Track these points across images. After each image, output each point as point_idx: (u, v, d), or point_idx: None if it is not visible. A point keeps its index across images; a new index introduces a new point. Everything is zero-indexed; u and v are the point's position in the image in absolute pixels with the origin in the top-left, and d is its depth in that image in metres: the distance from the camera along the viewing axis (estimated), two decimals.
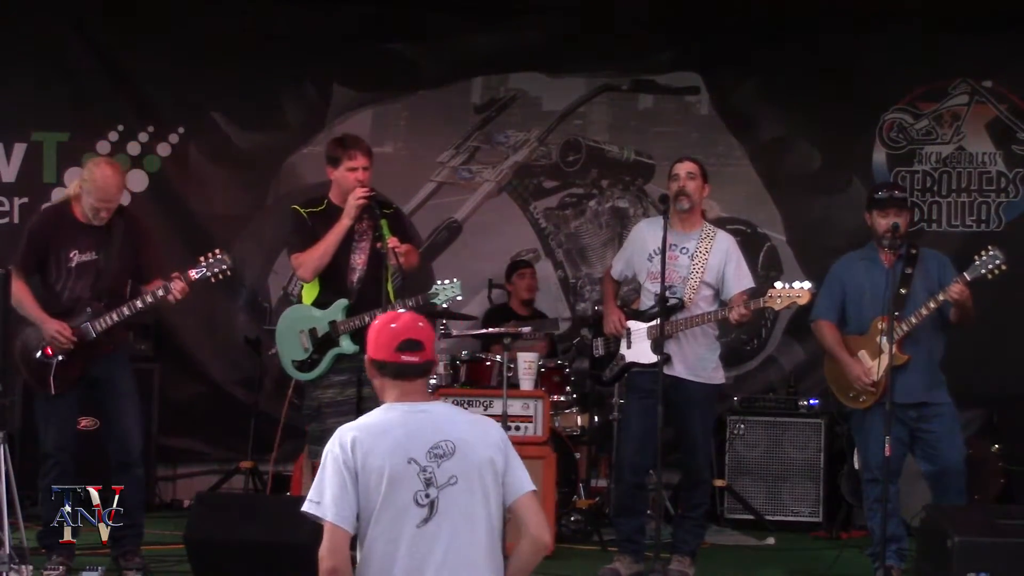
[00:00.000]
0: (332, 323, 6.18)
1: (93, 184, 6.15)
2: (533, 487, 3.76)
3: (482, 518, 3.64)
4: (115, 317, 6.16)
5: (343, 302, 6.18)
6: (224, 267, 6.23)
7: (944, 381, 6.34)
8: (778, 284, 6.25)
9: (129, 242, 6.30)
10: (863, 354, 6.30)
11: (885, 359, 6.14)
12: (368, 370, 3.80)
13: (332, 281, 6.24)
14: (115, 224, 6.26)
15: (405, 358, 3.73)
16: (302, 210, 6.29)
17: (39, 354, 6.15)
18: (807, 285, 6.18)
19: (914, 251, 6.38)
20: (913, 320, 6.17)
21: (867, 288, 6.32)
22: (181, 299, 6.21)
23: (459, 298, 6.15)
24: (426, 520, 3.58)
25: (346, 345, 6.17)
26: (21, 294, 6.17)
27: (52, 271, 6.23)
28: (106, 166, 6.27)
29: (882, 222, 6.29)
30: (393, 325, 3.76)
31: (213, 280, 6.27)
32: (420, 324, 3.79)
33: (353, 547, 3.68)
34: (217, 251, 6.28)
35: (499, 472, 3.69)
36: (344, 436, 3.64)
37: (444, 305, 6.15)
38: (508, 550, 3.74)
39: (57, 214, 6.34)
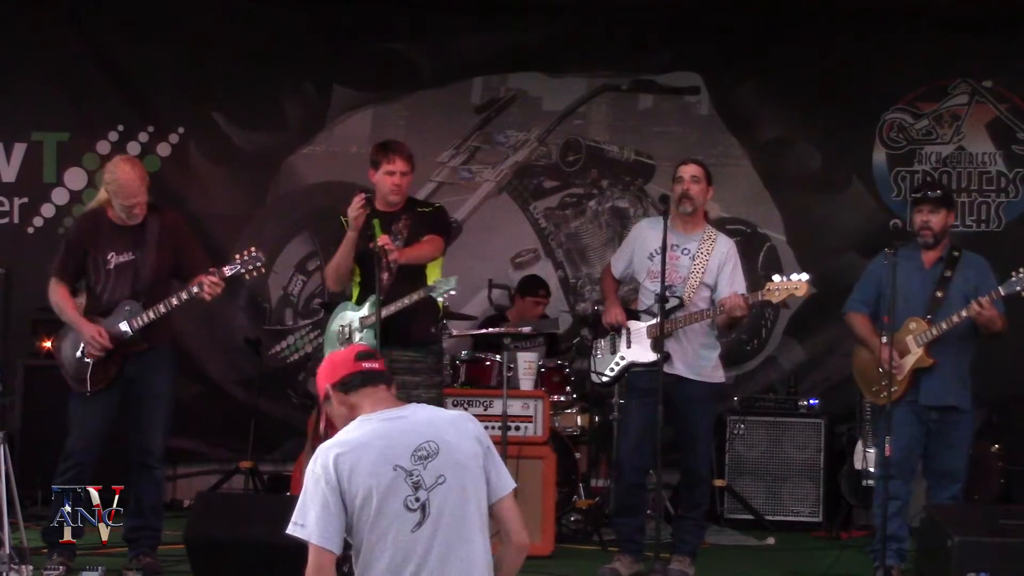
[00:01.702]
0: (362, 319, 6.26)
1: (116, 185, 6.19)
2: (513, 484, 3.76)
3: (473, 514, 3.64)
4: (151, 315, 6.19)
5: (373, 297, 6.25)
6: (258, 264, 6.28)
7: (969, 387, 6.35)
8: (776, 277, 6.26)
9: (166, 240, 6.31)
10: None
11: (912, 359, 6.16)
12: (334, 402, 3.77)
13: (368, 279, 6.32)
14: (150, 222, 6.28)
15: (366, 365, 3.77)
16: (344, 219, 6.38)
17: (79, 354, 6.19)
18: (804, 277, 6.18)
19: (956, 253, 6.36)
20: (944, 326, 6.16)
21: (903, 286, 6.27)
22: (214, 295, 6.19)
23: (453, 292, 6.20)
24: (419, 524, 3.57)
25: (363, 339, 6.22)
26: (60, 299, 6.27)
27: (92, 276, 6.28)
28: (124, 163, 6.30)
29: (917, 219, 6.31)
30: (341, 350, 3.88)
31: (247, 277, 6.36)
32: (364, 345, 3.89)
33: (347, 561, 3.68)
34: (252, 249, 6.30)
35: (482, 468, 3.69)
36: (327, 456, 3.60)
37: (441, 299, 6.23)
38: (493, 548, 3.73)
39: (92, 219, 6.37)
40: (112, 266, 6.25)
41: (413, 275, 6.24)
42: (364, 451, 3.59)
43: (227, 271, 6.21)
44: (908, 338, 6.23)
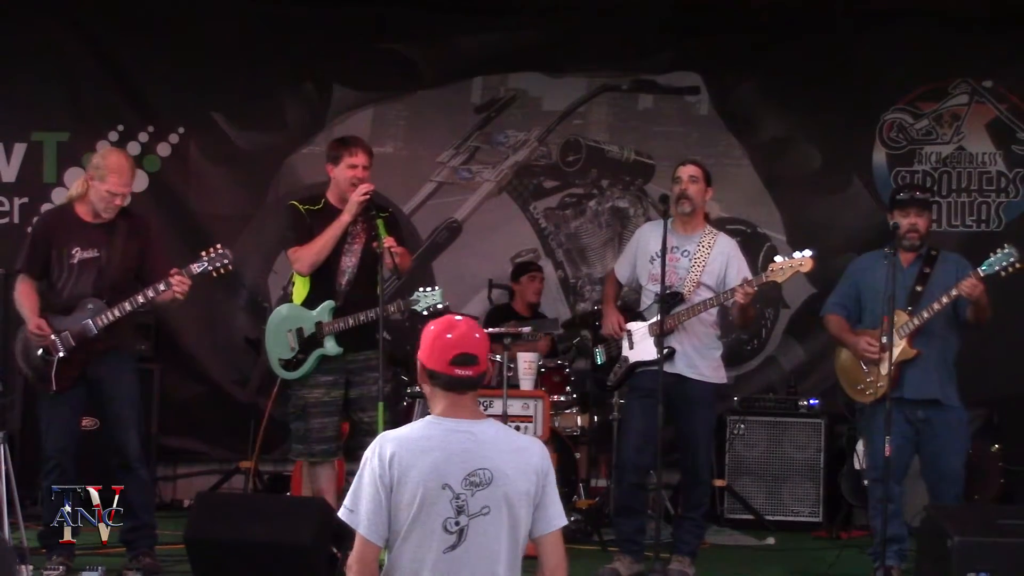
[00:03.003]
0: (318, 324, 6.20)
1: (108, 170, 6.16)
2: (564, 522, 3.72)
3: (505, 551, 3.61)
4: (116, 313, 6.16)
5: (330, 303, 6.22)
6: (225, 261, 6.23)
7: (955, 381, 6.34)
8: (778, 258, 6.25)
9: (133, 241, 6.30)
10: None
11: (893, 353, 6.14)
12: (419, 375, 3.73)
13: (321, 281, 6.26)
14: (118, 222, 6.27)
15: (459, 372, 3.64)
16: (300, 206, 6.33)
17: (40, 351, 6.16)
18: (808, 253, 6.16)
19: (934, 252, 6.39)
20: (925, 315, 6.16)
21: (881, 285, 6.28)
22: (183, 293, 6.17)
23: (440, 306, 6.11)
24: (453, 547, 3.56)
25: (330, 347, 6.19)
26: (22, 295, 6.25)
27: (55, 269, 6.25)
28: (115, 152, 6.42)
29: (903, 222, 6.29)
30: (449, 336, 3.66)
31: (215, 274, 6.28)
32: (476, 335, 3.70)
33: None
34: (219, 246, 6.28)
35: (533, 504, 3.65)
36: (384, 449, 3.59)
37: (425, 312, 6.12)
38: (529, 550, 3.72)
39: (59, 214, 6.39)
40: (76, 261, 6.21)
41: (371, 283, 6.11)
42: (420, 458, 3.57)
43: (195, 268, 6.19)
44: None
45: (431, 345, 3.67)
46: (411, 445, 3.59)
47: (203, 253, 6.25)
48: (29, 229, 8.21)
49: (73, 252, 6.22)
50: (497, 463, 3.60)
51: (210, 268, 6.22)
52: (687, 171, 6.44)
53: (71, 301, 6.20)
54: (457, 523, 3.56)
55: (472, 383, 3.67)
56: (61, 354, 6.13)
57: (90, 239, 6.23)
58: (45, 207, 8.66)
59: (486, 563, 3.59)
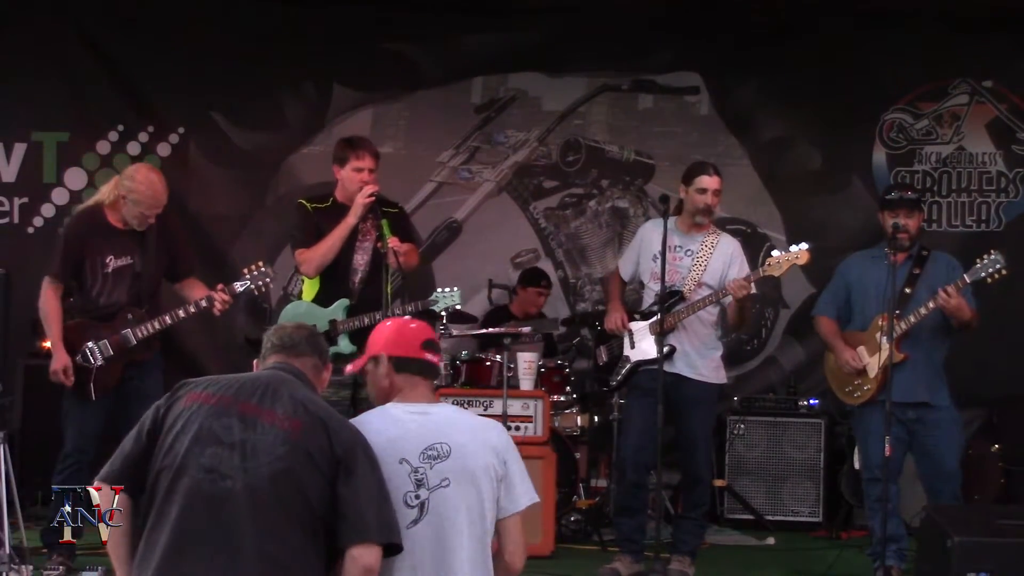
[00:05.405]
0: (332, 322, 6.21)
1: (140, 195, 6.16)
2: (527, 503, 3.75)
3: (471, 523, 3.62)
4: (157, 325, 6.20)
5: (344, 302, 6.23)
6: (268, 279, 6.32)
7: (945, 383, 6.34)
8: (775, 252, 6.26)
9: (163, 243, 6.32)
10: (861, 350, 6.31)
11: (883, 356, 6.13)
12: (382, 369, 3.79)
13: (334, 280, 6.28)
14: (149, 227, 6.27)
15: (429, 357, 3.79)
16: (308, 204, 6.34)
17: (78, 358, 6.15)
18: (804, 246, 6.17)
19: (925, 253, 6.39)
20: (912, 319, 6.16)
21: (871, 286, 6.32)
22: (223, 311, 6.27)
23: (458, 307, 6.25)
24: (415, 521, 3.58)
25: (344, 345, 6.20)
26: (50, 309, 6.20)
27: (88, 277, 6.23)
28: (148, 172, 6.30)
29: (892, 223, 6.30)
30: (413, 325, 3.85)
31: (256, 292, 6.37)
32: (433, 330, 3.91)
33: None
34: (260, 263, 6.33)
35: (495, 479, 3.67)
36: None
37: (443, 312, 6.24)
38: (493, 547, 3.73)
39: (91, 219, 6.31)
40: (110, 269, 6.22)
41: (380, 284, 6.13)
42: (376, 438, 3.61)
43: (238, 287, 6.25)
44: (878, 335, 6.21)
45: (398, 334, 3.80)
46: (367, 428, 3.65)
47: (245, 271, 6.33)
48: (57, 230, 8.27)
49: (107, 260, 6.22)
50: (455, 438, 3.66)
51: (252, 286, 6.28)
52: (713, 183, 6.35)
53: (109, 309, 6.21)
54: (417, 496, 3.59)
55: (435, 371, 3.82)
56: (99, 363, 6.14)
57: (123, 246, 6.23)
58: (45, 207, 8.68)
59: (451, 536, 3.59)
